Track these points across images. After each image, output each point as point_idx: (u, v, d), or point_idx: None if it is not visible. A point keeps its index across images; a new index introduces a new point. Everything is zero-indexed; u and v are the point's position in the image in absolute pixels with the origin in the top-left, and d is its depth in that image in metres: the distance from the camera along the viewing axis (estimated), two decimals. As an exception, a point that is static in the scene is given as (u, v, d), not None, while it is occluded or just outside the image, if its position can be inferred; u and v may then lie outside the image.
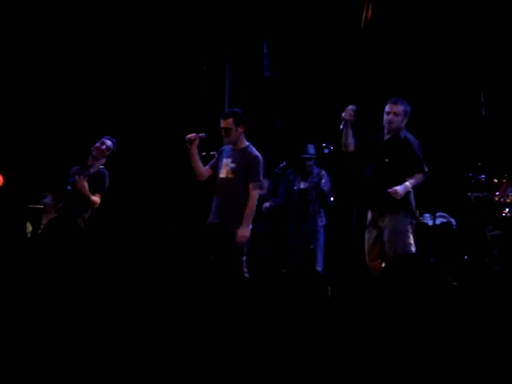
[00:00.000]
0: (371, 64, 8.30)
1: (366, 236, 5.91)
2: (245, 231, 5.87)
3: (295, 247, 7.69)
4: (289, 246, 7.80)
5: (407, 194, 5.73)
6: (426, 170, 5.81)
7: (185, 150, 6.15)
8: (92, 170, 6.31)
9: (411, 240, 5.73)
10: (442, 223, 7.60)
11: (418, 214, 6.15)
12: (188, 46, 8.66)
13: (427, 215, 7.60)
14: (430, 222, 7.54)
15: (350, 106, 5.83)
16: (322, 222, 7.69)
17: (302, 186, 7.72)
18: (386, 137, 5.85)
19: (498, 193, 7.06)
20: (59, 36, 8.32)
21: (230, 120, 5.94)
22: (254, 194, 5.94)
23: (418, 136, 7.89)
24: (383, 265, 5.64)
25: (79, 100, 8.40)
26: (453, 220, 7.65)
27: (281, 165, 7.80)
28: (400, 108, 5.78)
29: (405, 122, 5.85)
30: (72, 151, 7.37)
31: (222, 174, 6.00)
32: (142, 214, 8.13)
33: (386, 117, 5.80)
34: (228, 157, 6.02)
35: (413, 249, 5.74)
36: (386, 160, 5.74)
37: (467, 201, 7.24)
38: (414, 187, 5.76)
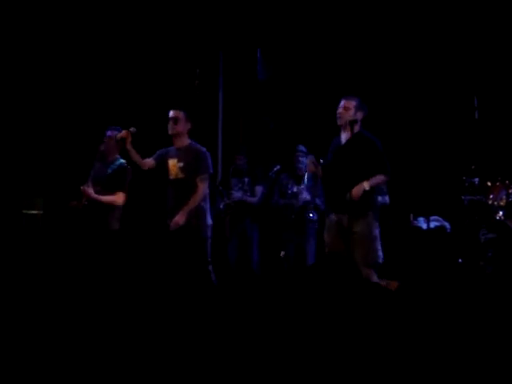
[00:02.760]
0: (364, 66, 8.31)
1: (329, 239, 5.74)
2: (180, 218, 5.90)
3: (288, 250, 7.67)
4: (283, 247, 7.79)
5: (372, 195, 5.64)
6: (389, 169, 5.69)
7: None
8: (109, 171, 6.33)
9: (379, 245, 5.62)
10: (436, 227, 7.59)
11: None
12: (181, 49, 8.65)
13: (421, 219, 7.60)
14: (424, 226, 7.53)
15: (308, 159, 5.88)
16: (313, 217, 7.60)
17: (296, 189, 7.71)
18: (345, 135, 5.74)
19: (491, 196, 7.05)
20: (48, 48, 8.28)
21: (182, 113, 6.11)
22: (202, 186, 5.99)
23: (412, 139, 7.89)
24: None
25: (70, 106, 8.38)
26: (447, 223, 7.65)
27: (274, 169, 7.80)
28: (351, 103, 5.70)
29: (359, 116, 5.73)
30: (65, 157, 7.35)
31: (172, 176, 6.10)
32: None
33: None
34: (173, 157, 6.11)
35: (381, 255, 5.62)
36: (351, 160, 5.63)
37: (461, 204, 7.24)
38: (374, 186, 5.64)
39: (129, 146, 5.97)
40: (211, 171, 6.10)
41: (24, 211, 7.34)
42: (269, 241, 8.00)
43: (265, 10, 8.57)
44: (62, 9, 8.29)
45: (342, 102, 5.74)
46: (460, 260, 7.16)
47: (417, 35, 8.04)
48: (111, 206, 6.25)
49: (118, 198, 6.27)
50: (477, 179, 7.14)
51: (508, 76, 7.82)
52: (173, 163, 6.08)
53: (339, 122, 5.73)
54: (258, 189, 7.94)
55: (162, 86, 8.56)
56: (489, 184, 7.12)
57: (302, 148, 7.78)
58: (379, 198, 7.28)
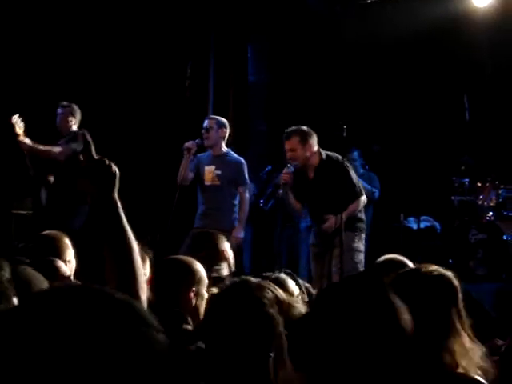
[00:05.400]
0: (355, 68, 8.32)
1: (315, 268, 5.67)
2: (240, 232, 6.10)
3: (280, 251, 7.65)
4: (273, 250, 7.77)
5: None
6: (361, 193, 5.51)
7: (168, 154, 6.17)
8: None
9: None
10: (427, 227, 7.61)
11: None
12: (172, 50, 8.62)
13: (411, 219, 7.62)
14: (415, 226, 7.55)
15: (285, 170, 5.46)
16: (305, 223, 7.57)
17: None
18: (310, 172, 5.53)
19: (481, 196, 7.06)
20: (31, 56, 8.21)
21: (214, 121, 6.16)
22: (246, 196, 6.20)
23: (403, 139, 7.91)
24: None
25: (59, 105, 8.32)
26: (437, 224, 7.67)
27: (266, 169, 7.79)
28: (293, 141, 5.40)
29: (313, 144, 5.46)
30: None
31: (208, 182, 6.11)
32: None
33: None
34: (209, 164, 6.14)
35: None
36: (325, 194, 5.41)
37: (451, 204, 7.25)
38: (351, 215, 5.37)
39: (190, 158, 5.97)
40: (249, 181, 6.34)
41: (14, 211, 7.30)
42: (261, 240, 8.00)
43: (256, 8, 8.56)
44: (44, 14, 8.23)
45: (285, 145, 5.44)
46: (450, 260, 7.18)
47: (408, 36, 8.05)
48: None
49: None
50: (467, 180, 7.16)
51: (498, 77, 7.86)
52: (209, 170, 6.11)
53: (297, 166, 5.43)
54: (251, 186, 7.90)
55: (152, 86, 8.52)
56: (479, 184, 7.14)
57: None
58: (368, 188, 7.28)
